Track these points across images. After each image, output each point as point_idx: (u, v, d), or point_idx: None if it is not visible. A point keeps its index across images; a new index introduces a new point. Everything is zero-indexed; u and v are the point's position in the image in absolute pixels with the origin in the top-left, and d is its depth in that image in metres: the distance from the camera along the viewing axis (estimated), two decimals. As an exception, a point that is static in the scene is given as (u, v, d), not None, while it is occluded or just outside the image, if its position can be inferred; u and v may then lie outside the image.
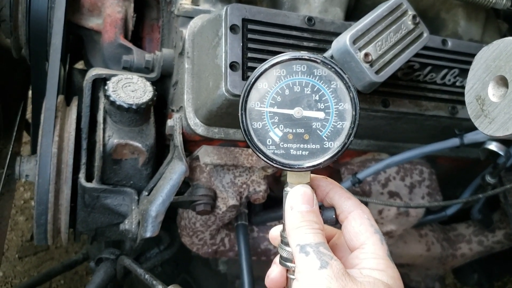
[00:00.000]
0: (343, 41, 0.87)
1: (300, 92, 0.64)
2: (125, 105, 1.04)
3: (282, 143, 0.63)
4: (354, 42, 0.87)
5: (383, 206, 1.21)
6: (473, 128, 1.11)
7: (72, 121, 1.14)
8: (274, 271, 0.70)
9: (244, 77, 0.93)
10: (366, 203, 1.19)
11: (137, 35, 1.38)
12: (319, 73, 0.64)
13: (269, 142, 0.63)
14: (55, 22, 1.16)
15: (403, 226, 1.27)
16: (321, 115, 0.64)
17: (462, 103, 1.10)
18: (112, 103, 1.05)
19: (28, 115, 1.97)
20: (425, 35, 0.94)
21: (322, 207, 0.68)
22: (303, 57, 0.64)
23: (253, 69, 0.94)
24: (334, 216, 0.68)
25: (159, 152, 1.17)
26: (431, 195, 1.26)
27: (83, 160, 1.12)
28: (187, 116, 1.04)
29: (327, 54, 0.92)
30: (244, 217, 1.19)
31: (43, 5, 1.21)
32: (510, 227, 1.46)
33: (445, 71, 1.09)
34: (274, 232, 0.71)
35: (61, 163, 1.11)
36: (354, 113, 0.65)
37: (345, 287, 0.60)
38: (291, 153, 0.63)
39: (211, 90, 0.96)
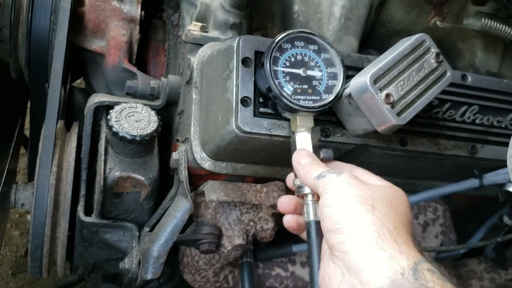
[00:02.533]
0: (363, 80, 0.82)
1: (303, 58, 0.87)
2: (129, 137, 0.99)
3: (294, 95, 0.84)
4: (375, 82, 0.82)
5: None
6: (492, 168, 1.06)
7: (72, 150, 1.09)
8: (286, 196, 0.87)
9: (256, 113, 0.88)
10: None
11: (141, 57, 1.33)
12: (315, 46, 0.88)
13: (285, 94, 0.83)
14: (56, 45, 1.11)
15: (415, 265, 1.22)
16: (319, 74, 0.87)
17: (482, 142, 1.05)
18: (115, 134, 0.99)
19: (26, 128, 1.91)
20: (448, 74, 0.89)
21: (321, 148, 0.86)
22: (305, 32, 0.88)
23: (265, 104, 0.89)
24: (332, 155, 0.86)
25: (162, 183, 1.12)
26: (445, 233, 1.21)
27: (82, 192, 1.07)
28: (193, 150, 0.99)
29: (344, 92, 0.87)
30: (250, 254, 1.14)
31: (45, 26, 1.16)
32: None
33: (464, 107, 1.05)
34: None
35: (59, 195, 1.05)
36: (343, 73, 0.87)
37: (360, 184, 0.74)
38: (301, 103, 0.83)
39: (220, 125, 0.91)
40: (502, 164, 1.03)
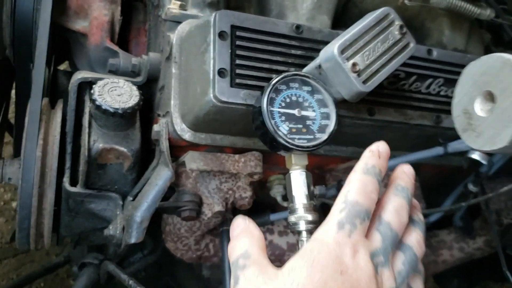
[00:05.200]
0: (331, 50, 0.88)
1: (297, 99, 0.90)
2: (111, 110, 1.04)
3: (289, 135, 0.86)
4: (342, 52, 0.87)
5: (367, 213, 1.22)
6: (456, 137, 1.13)
7: (57, 125, 1.13)
8: None
9: (233, 84, 0.93)
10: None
11: (123, 38, 1.38)
12: (309, 87, 0.92)
13: (281, 134, 0.86)
14: (40, 24, 1.15)
15: (386, 233, 1.28)
16: (313, 114, 0.90)
17: (447, 112, 1.12)
18: (98, 107, 1.04)
19: (10, 115, 1.94)
20: (411, 45, 0.95)
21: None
22: (300, 74, 0.92)
23: (241, 75, 0.95)
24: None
25: (144, 157, 1.16)
26: (415, 202, 1.28)
27: (68, 164, 1.11)
28: (173, 122, 1.04)
29: (315, 63, 0.93)
30: (229, 223, 1.19)
31: (29, 6, 1.20)
32: (491, 234, 1.48)
33: (430, 80, 1.11)
34: None
35: (45, 167, 1.09)
36: (335, 114, 0.92)
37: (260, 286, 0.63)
38: (296, 142, 0.86)
39: (199, 96, 0.96)
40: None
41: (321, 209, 1.26)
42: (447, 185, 1.40)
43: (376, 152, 0.77)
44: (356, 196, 0.69)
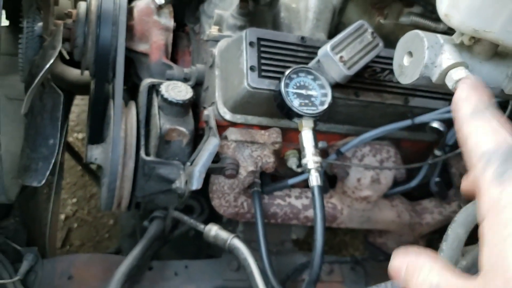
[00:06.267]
0: (325, 49, 1.33)
1: (304, 83, 1.34)
2: (175, 101, 1.48)
3: (300, 107, 1.29)
4: (333, 49, 1.32)
5: (361, 175, 1.64)
6: (420, 113, 1.56)
7: (133, 115, 1.58)
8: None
9: (260, 76, 1.38)
10: (347, 172, 1.62)
11: (173, 58, 1.84)
12: (312, 76, 1.36)
13: (294, 106, 1.29)
14: (118, 46, 1.61)
15: (377, 193, 1.70)
16: (315, 93, 1.32)
17: (412, 95, 1.55)
18: (165, 99, 1.49)
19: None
20: (380, 44, 1.40)
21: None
22: (305, 67, 1.36)
23: (265, 70, 1.39)
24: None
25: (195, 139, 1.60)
26: (397, 169, 1.69)
27: (142, 142, 1.55)
28: (218, 107, 1.48)
29: (315, 59, 1.37)
30: (258, 186, 1.61)
31: (109, 33, 1.67)
32: (461, 200, 1.89)
33: (399, 73, 1.54)
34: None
35: (127, 145, 1.53)
36: (331, 92, 1.35)
37: None
38: (304, 111, 1.29)
39: (237, 86, 1.41)
40: (427, 111, 1.53)
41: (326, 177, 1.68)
42: (425, 159, 1.81)
43: (467, 86, 0.61)
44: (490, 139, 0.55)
